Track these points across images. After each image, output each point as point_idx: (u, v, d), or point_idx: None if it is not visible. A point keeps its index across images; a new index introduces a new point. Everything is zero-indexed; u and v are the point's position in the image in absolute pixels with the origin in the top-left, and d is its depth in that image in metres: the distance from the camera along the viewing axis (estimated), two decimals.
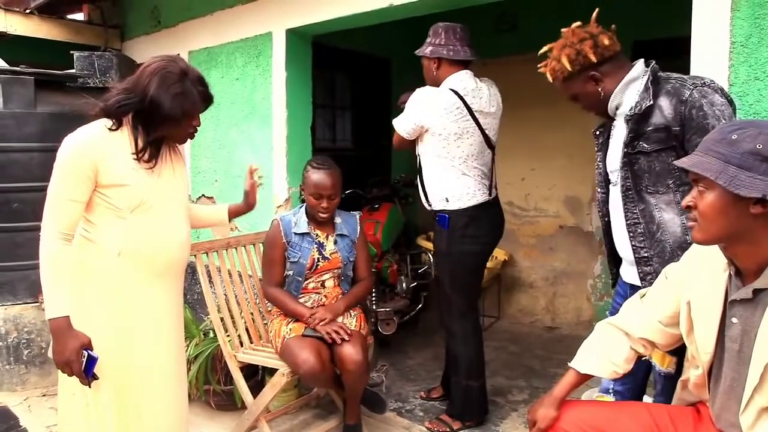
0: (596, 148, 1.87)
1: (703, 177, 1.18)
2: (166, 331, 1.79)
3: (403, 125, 2.52)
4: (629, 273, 1.77)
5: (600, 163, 1.85)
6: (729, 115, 1.52)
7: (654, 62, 1.68)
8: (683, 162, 1.24)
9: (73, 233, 1.61)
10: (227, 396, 2.75)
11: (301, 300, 2.43)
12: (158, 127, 1.64)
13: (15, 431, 2.67)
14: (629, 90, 1.68)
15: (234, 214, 2.17)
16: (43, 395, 3.02)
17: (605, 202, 1.84)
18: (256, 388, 2.48)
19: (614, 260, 1.91)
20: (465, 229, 2.46)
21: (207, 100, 1.72)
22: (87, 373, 1.57)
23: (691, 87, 1.55)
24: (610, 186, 1.80)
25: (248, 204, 2.19)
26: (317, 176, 2.37)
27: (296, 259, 2.40)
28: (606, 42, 1.67)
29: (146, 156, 1.65)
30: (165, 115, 1.60)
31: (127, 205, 1.62)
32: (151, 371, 1.75)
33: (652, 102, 1.58)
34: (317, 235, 2.45)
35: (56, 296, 1.55)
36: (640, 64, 1.70)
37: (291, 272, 2.42)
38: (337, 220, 2.51)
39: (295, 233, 2.42)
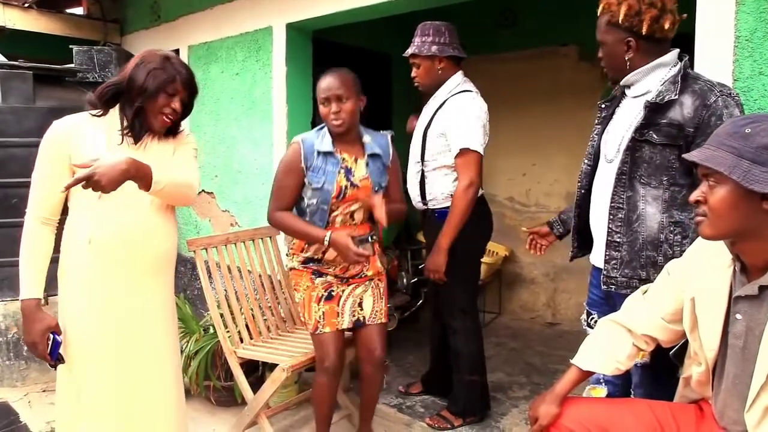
0: (596, 121, 1.84)
1: (715, 171, 1.16)
2: (148, 327, 1.74)
3: (479, 141, 2.35)
4: (599, 256, 1.75)
5: (596, 136, 1.82)
6: None
7: (687, 57, 1.64)
8: (694, 156, 1.22)
9: (53, 217, 1.68)
10: (227, 392, 2.75)
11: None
12: (134, 102, 1.65)
13: (15, 427, 2.67)
14: (654, 74, 1.64)
15: None
16: (44, 391, 3.02)
17: (588, 174, 1.83)
18: (256, 384, 2.48)
19: (579, 237, 1.90)
20: (466, 224, 2.44)
21: (186, 83, 1.70)
22: (52, 356, 1.62)
23: (717, 94, 1.52)
24: (602, 162, 1.77)
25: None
26: (323, 81, 2.06)
27: (320, 185, 2.05)
28: (666, 25, 1.60)
29: (131, 134, 1.68)
30: (138, 89, 1.64)
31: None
32: (128, 368, 1.71)
33: (676, 97, 1.55)
34: (344, 159, 2.09)
35: (27, 278, 1.64)
36: (673, 53, 1.65)
37: (314, 201, 2.08)
38: (366, 139, 2.16)
39: (318, 152, 2.06)
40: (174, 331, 1.87)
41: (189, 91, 1.73)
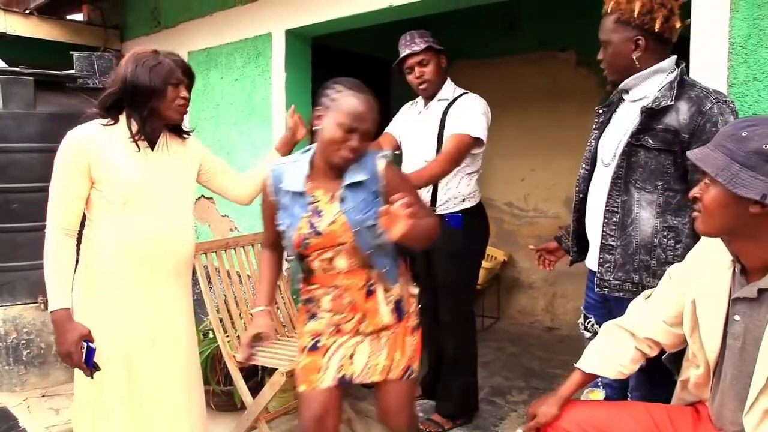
0: (594, 126, 1.85)
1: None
2: (175, 330, 1.79)
3: (477, 130, 2.38)
4: (594, 260, 1.77)
5: (593, 141, 1.83)
6: None
7: (684, 64, 1.66)
8: (693, 153, 1.24)
9: (75, 228, 1.68)
10: (227, 396, 2.75)
11: (317, 294, 1.69)
12: (145, 104, 1.65)
13: None
14: (652, 79, 1.65)
15: (284, 150, 2.20)
16: (43, 396, 3.02)
17: (586, 179, 1.84)
18: (255, 389, 2.48)
19: (578, 241, 1.91)
20: (478, 226, 2.53)
21: (185, 70, 1.71)
22: (87, 364, 1.63)
23: (713, 101, 1.54)
24: (599, 166, 1.78)
25: (293, 133, 2.24)
26: (353, 102, 1.56)
27: (284, 228, 1.66)
28: (676, 25, 1.62)
29: (142, 139, 1.69)
30: (147, 89, 1.63)
31: (121, 198, 1.65)
32: (158, 373, 1.75)
33: (672, 102, 1.56)
34: (316, 198, 1.63)
35: (56, 289, 1.63)
36: (671, 59, 1.66)
37: (286, 243, 1.71)
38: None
39: (285, 190, 1.64)
40: (194, 331, 1.92)
41: (189, 78, 1.74)
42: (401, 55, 2.48)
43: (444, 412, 2.61)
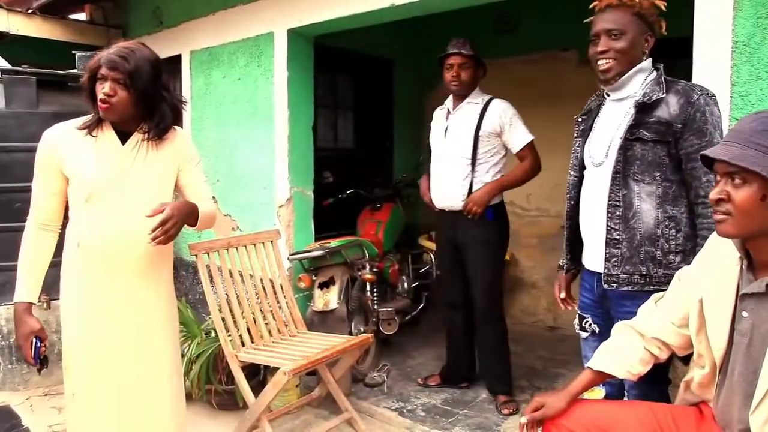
0: (576, 134, 1.91)
1: (742, 170, 1.15)
2: (138, 332, 1.72)
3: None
4: (594, 259, 1.79)
5: (578, 149, 1.88)
6: (722, 127, 1.62)
7: (662, 65, 1.72)
8: (718, 153, 1.20)
9: (51, 223, 1.71)
10: (229, 395, 2.75)
11: None
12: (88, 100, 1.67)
13: (17, 430, 2.68)
14: (635, 78, 1.71)
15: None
16: (45, 395, 3.03)
17: (576, 185, 1.88)
18: (257, 388, 2.48)
19: (571, 248, 1.97)
20: (504, 220, 2.85)
21: (109, 64, 1.59)
22: (35, 359, 1.68)
23: (699, 93, 1.62)
24: (590, 168, 1.81)
25: None
26: None
27: None
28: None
29: (92, 132, 1.68)
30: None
31: (82, 194, 1.65)
32: (121, 372, 1.70)
33: (664, 95, 1.63)
34: None
35: (20, 282, 1.68)
36: (649, 60, 1.73)
37: None
38: None
39: None
40: (173, 333, 1.86)
41: (121, 71, 1.59)
42: (449, 51, 2.74)
43: (504, 389, 2.81)
